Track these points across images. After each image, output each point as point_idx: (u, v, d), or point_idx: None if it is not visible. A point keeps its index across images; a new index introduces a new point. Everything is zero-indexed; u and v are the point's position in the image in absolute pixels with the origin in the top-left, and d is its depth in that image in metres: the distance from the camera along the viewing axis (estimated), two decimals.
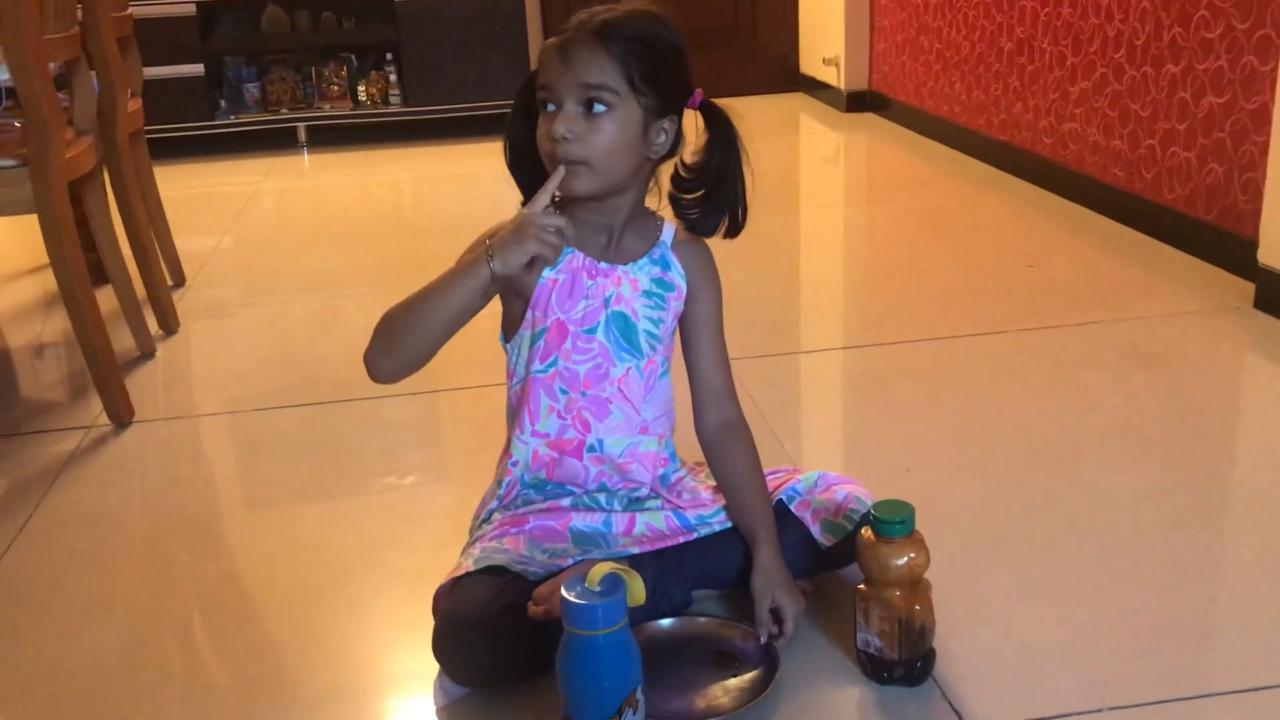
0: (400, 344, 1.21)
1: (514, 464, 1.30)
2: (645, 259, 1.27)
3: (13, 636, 1.37)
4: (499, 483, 1.32)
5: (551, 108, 1.17)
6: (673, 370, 1.33)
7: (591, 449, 1.28)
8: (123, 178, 2.32)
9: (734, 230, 1.27)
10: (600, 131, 1.17)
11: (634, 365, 1.27)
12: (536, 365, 1.26)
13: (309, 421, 1.96)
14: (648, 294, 1.27)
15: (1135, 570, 1.37)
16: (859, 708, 1.15)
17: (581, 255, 1.25)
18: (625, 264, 1.26)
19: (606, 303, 1.25)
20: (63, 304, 1.91)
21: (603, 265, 1.25)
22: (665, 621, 1.24)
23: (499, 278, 1.16)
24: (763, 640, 1.20)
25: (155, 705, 1.23)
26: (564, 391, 1.26)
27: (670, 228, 1.31)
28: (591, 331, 1.25)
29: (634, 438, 1.29)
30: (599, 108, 1.16)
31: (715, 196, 1.24)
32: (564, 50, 1.16)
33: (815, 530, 1.29)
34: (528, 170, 1.25)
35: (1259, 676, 1.17)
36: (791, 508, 1.31)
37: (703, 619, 1.26)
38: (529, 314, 1.25)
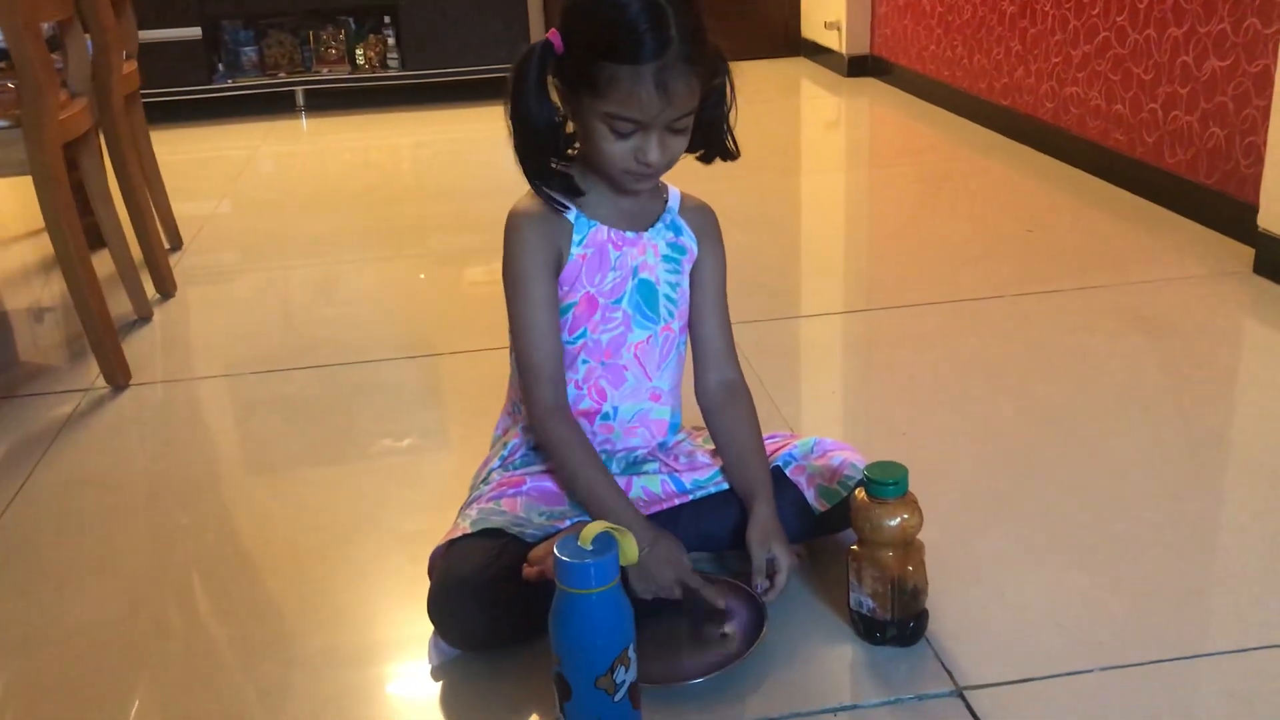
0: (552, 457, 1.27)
1: (524, 428, 1.30)
2: (660, 224, 1.27)
3: (12, 596, 1.37)
4: (504, 444, 1.32)
5: (628, 128, 1.13)
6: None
7: (605, 416, 1.28)
8: (118, 140, 2.31)
9: (729, 155, 1.26)
10: (680, 144, 1.17)
11: (653, 332, 1.28)
12: (565, 336, 1.25)
13: (307, 385, 1.96)
14: (666, 258, 1.28)
15: (1130, 532, 1.38)
16: (851, 668, 1.16)
17: (606, 228, 1.24)
18: (645, 230, 1.26)
19: (634, 272, 1.25)
20: (59, 267, 1.91)
21: (629, 235, 1.25)
22: None
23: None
24: (760, 589, 1.21)
25: (155, 663, 1.24)
26: (585, 361, 1.26)
27: (676, 193, 1.31)
28: (618, 302, 1.25)
29: (644, 404, 1.30)
30: (682, 123, 1.15)
31: (709, 142, 1.24)
32: (663, 85, 1.10)
33: (810, 495, 1.30)
34: (545, 155, 1.20)
35: (1251, 637, 1.18)
36: (787, 472, 1.31)
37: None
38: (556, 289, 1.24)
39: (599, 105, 1.12)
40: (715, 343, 1.33)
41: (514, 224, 1.23)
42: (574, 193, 1.22)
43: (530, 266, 1.22)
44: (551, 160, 1.21)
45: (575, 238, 1.23)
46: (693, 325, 1.33)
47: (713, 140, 1.24)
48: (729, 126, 1.24)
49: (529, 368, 1.23)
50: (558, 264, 1.23)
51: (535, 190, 1.23)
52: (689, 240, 1.29)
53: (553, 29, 1.16)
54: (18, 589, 1.39)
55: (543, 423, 1.23)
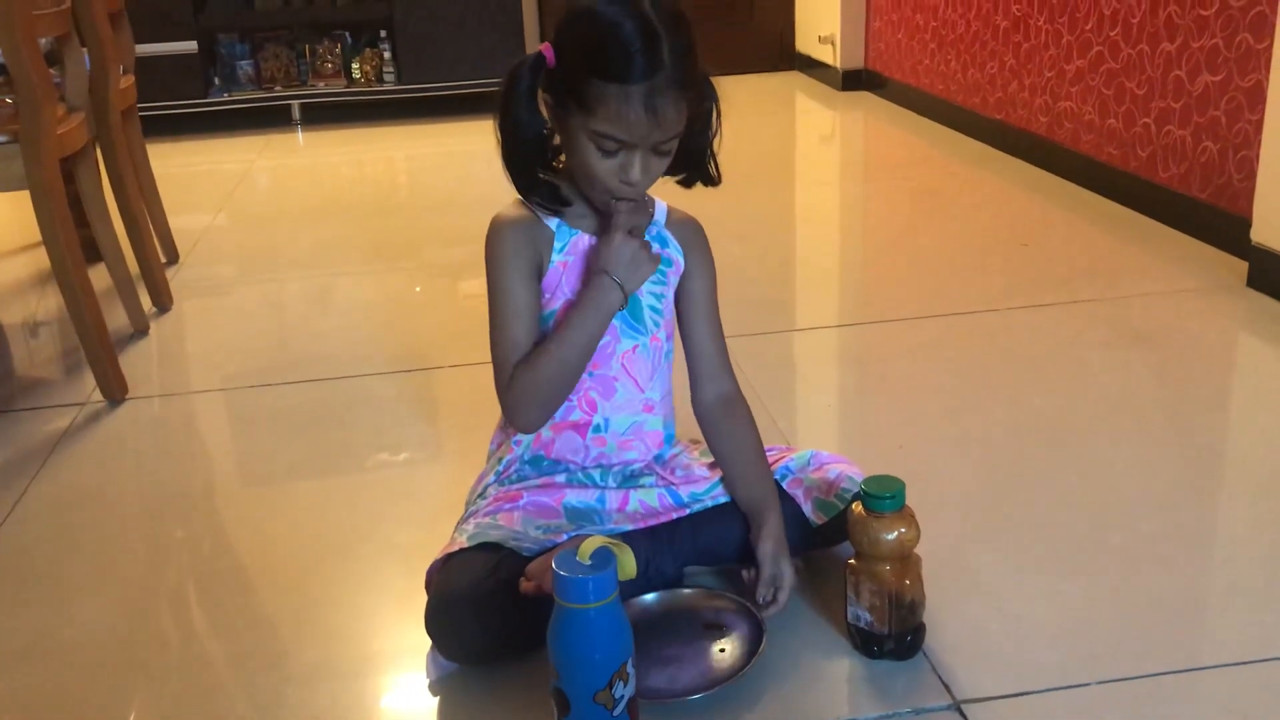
0: (556, 399, 1.24)
1: (516, 442, 1.30)
2: (646, 236, 1.28)
3: (9, 611, 1.37)
4: (499, 460, 1.32)
5: (614, 147, 1.13)
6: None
7: (597, 429, 1.28)
8: (115, 155, 2.32)
9: (711, 181, 1.27)
10: (663, 165, 1.18)
11: (640, 342, 1.28)
12: None
13: (303, 398, 1.96)
14: None
15: (1126, 545, 1.38)
16: (849, 681, 1.16)
17: (587, 236, 1.24)
18: None
19: None
20: (56, 281, 1.91)
21: None
22: (650, 596, 1.24)
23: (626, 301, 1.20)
24: (764, 600, 1.21)
25: (151, 678, 1.23)
26: None
27: (663, 206, 1.31)
28: None
29: (639, 416, 1.30)
30: (668, 145, 1.16)
31: (692, 166, 1.25)
32: (652, 107, 1.10)
33: (807, 508, 1.30)
34: (532, 165, 1.21)
35: (1248, 651, 1.18)
36: (784, 485, 1.32)
37: (688, 590, 1.26)
38: None
39: (587, 122, 1.13)
40: (709, 356, 1.33)
41: (495, 230, 1.24)
42: (560, 203, 1.23)
43: (509, 272, 1.22)
44: (538, 171, 1.22)
45: (556, 245, 1.23)
46: (686, 339, 1.33)
47: (696, 165, 1.25)
48: (713, 152, 1.25)
49: (498, 367, 1.23)
50: (538, 270, 1.24)
51: (522, 199, 1.24)
52: (675, 252, 1.30)
53: (546, 42, 1.17)
54: (14, 603, 1.39)
55: (507, 396, 1.23)
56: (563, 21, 1.15)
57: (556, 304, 1.24)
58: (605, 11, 1.11)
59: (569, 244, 1.24)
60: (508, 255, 1.23)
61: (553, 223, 1.24)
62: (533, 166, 1.21)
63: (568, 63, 1.14)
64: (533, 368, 1.21)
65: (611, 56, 1.09)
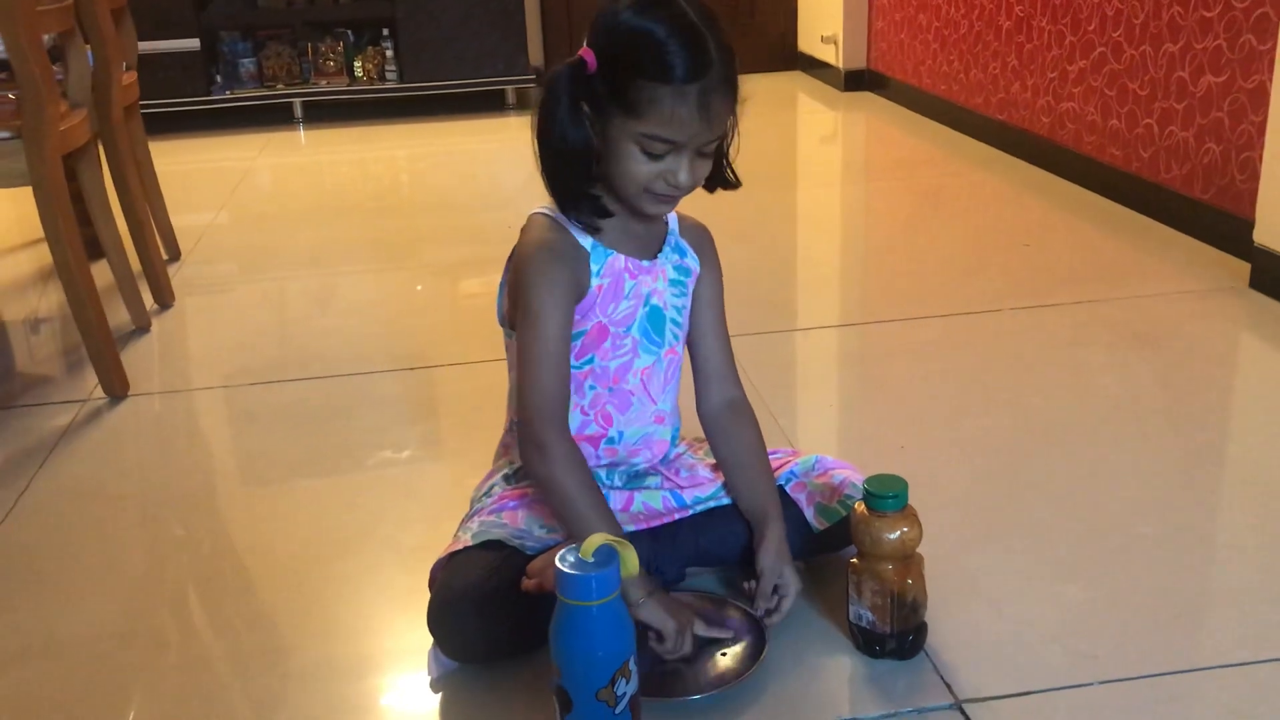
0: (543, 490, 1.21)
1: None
2: (667, 247, 1.27)
3: (9, 608, 1.37)
4: (508, 462, 1.31)
5: (662, 149, 1.12)
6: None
7: (610, 440, 1.28)
8: (118, 151, 2.32)
9: (730, 185, 1.25)
10: (706, 168, 1.17)
11: (658, 356, 1.27)
12: (572, 362, 1.24)
13: (304, 396, 1.96)
14: (674, 282, 1.27)
15: (1127, 546, 1.38)
16: (851, 681, 1.16)
17: (623, 257, 1.22)
18: (655, 256, 1.26)
19: (646, 299, 1.25)
20: (58, 277, 1.91)
21: (644, 263, 1.24)
22: None
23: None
24: (760, 613, 1.21)
25: (151, 676, 1.23)
26: (592, 388, 1.25)
27: (673, 215, 1.30)
28: (628, 330, 1.25)
29: (650, 428, 1.29)
30: (711, 147, 1.15)
31: (713, 171, 1.23)
32: (705, 106, 1.09)
33: (809, 513, 1.29)
34: (578, 178, 1.17)
35: (1248, 652, 1.18)
36: (787, 489, 1.31)
37: (691, 595, 1.26)
38: None
39: (634, 125, 1.11)
40: (717, 361, 1.32)
41: (536, 256, 1.19)
42: (603, 214, 1.19)
43: (549, 301, 1.18)
44: (584, 184, 1.18)
45: (594, 268, 1.21)
46: (693, 344, 1.32)
47: (716, 168, 1.24)
48: (728, 158, 1.23)
49: (529, 404, 1.18)
50: (578, 296, 1.20)
51: (567, 214, 1.20)
52: (692, 261, 1.29)
53: (585, 48, 1.13)
54: (14, 600, 1.39)
55: (543, 461, 1.16)
56: (603, 27, 1.12)
57: (588, 324, 1.22)
58: (650, 14, 1.10)
59: (605, 266, 1.21)
60: (547, 284, 1.18)
61: (587, 241, 1.21)
62: (579, 180, 1.18)
63: (614, 68, 1.11)
64: (559, 486, 1.16)
65: (665, 58, 1.08)
